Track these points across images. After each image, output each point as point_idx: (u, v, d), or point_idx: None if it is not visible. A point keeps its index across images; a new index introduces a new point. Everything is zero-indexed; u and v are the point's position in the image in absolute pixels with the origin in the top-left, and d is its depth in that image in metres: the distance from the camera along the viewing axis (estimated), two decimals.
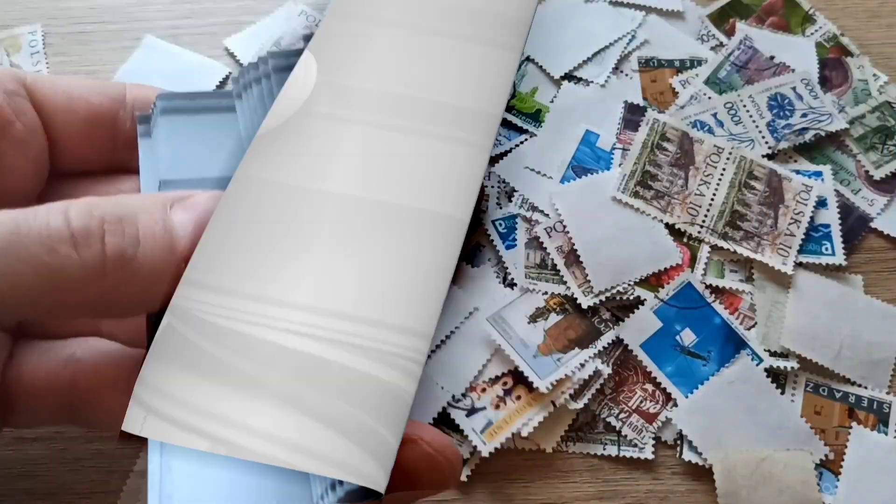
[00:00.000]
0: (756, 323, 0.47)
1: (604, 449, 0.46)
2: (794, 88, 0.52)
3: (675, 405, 0.46)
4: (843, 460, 0.45)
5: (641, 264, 0.48)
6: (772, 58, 0.54)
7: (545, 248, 0.48)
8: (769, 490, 0.43)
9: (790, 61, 0.54)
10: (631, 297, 0.47)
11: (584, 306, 0.47)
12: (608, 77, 0.54)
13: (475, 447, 0.45)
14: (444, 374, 0.46)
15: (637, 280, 0.48)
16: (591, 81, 0.54)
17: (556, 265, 0.48)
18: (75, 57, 0.57)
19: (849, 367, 0.47)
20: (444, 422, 0.46)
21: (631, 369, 0.47)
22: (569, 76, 0.55)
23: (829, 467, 0.45)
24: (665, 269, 0.48)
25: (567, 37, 0.56)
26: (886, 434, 0.46)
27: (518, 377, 0.46)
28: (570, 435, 0.46)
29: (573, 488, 0.46)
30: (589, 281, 0.47)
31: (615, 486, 0.46)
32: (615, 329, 0.47)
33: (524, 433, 0.45)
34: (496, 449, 0.45)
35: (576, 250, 0.48)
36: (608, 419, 0.46)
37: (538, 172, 0.51)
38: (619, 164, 0.51)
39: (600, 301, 0.47)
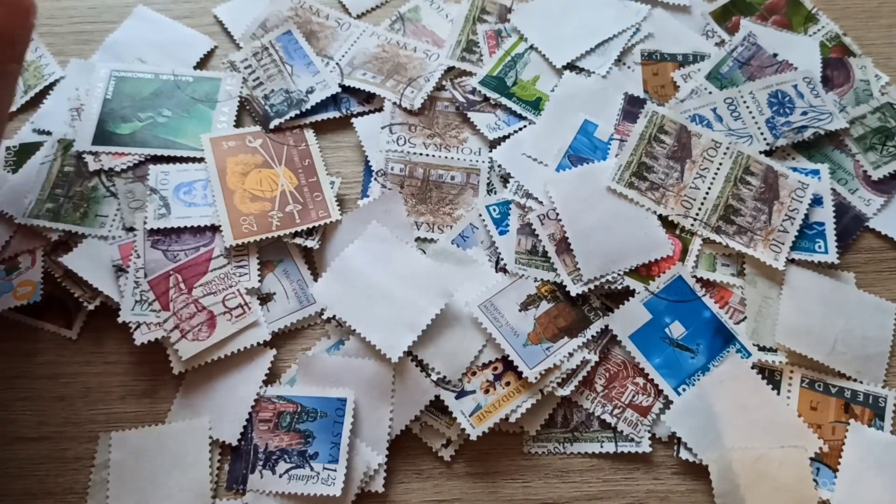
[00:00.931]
0: (745, 317, 0.47)
1: (601, 447, 0.46)
2: (795, 86, 0.52)
3: (665, 398, 0.46)
4: (840, 455, 0.45)
5: (632, 254, 0.48)
6: (775, 55, 0.54)
7: (537, 235, 0.48)
8: (765, 488, 0.44)
9: (793, 59, 0.54)
10: (620, 287, 0.47)
11: (573, 294, 0.47)
12: (610, 68, 0.54)
13: (463, 429, 0.45)
14: (439, 359, 0.46)
15: (627, 269, 0.48)
16: (593, 72, 0.54)
17: (546, 252, 0.48)
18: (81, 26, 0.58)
19: (843, 363, 0.47)
20: (432, 402, 0.46)
21: (621, 364, 0.47)
22: (571, 66, 0.54)
23: (826, 462, 0.45)
24: (656, 259, 0.48)
25: (572, 26, 0.56)
26: (882, 429, 0.46)
27: (508, 363, 0.46)
28: (567, 436, 0.46)
29: (573, 488, 0.46)
30: (578, 269, 0.47)
31: (615, 485, 0.46)
32: (604, 318, 0.47)
33: (512, 419, 0.45)
34: (483, 433, 0.45)
35: (567, 238, 0.48)
36: (602, 416, 0.46)
37: (535, 160, 0.51)
38: (616, 155, 0.51)
39: (589, 289, 0.47)
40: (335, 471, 0.44)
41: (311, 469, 0.44)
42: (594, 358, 0.46)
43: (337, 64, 0.55)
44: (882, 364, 0.47)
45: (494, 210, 0.50)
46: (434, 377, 0.46)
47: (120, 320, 0.47)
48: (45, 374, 0.48)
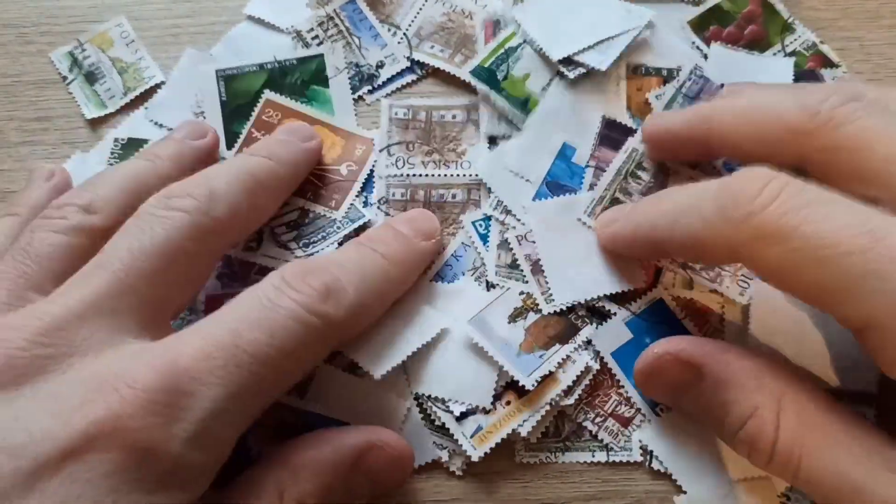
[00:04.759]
0: (724, 338, 0.48)
1: (593, 456, 0.47)
2: None
3: (644, 416, 0.47)
4: None
5: (604, 284, 0.48)
6: (721, 86, 0.52)
7: (514, 254, 0.49)
8: None
9: (767, 80, 0.52)
10: (597, 305, 0.48)
11: (546, 312, 0.48)
12: (610, 65, 0.53)
13: (465, 451, 0.46)
14: (464, 393, 0.47)
15: (599, 297, 0.48)
16: (592, 67, 0.53)
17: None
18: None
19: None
20: (438, 425, 0.47)
21: (605, 373, 0.48)
22: (568, 60, 0.53)
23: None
24: (629, 290, 0.48)
25: (574, 25, 0.54)
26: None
27: (507, 382, 0.47)
28: (559, 445, 0.47)
29: (572, 488, 0.47)
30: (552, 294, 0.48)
31: (614, 486, 0.47)
32: (592, 325, 0.48)
33: (513, 438, 0.47)
34: (486, 453, 0.46)
35: (541, 265, 0.49)
36: (584, 423, 0.47)
37: (516, 175, 0.51)
38: (591, 184, 0.51)
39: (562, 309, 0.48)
40: None
41: None
42: (596, 366, 0.47)
43: (405, 35, 0.55)
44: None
45: (480, 225, 0.51)
46: (464, 409, 0.47)
47: None
48: None
